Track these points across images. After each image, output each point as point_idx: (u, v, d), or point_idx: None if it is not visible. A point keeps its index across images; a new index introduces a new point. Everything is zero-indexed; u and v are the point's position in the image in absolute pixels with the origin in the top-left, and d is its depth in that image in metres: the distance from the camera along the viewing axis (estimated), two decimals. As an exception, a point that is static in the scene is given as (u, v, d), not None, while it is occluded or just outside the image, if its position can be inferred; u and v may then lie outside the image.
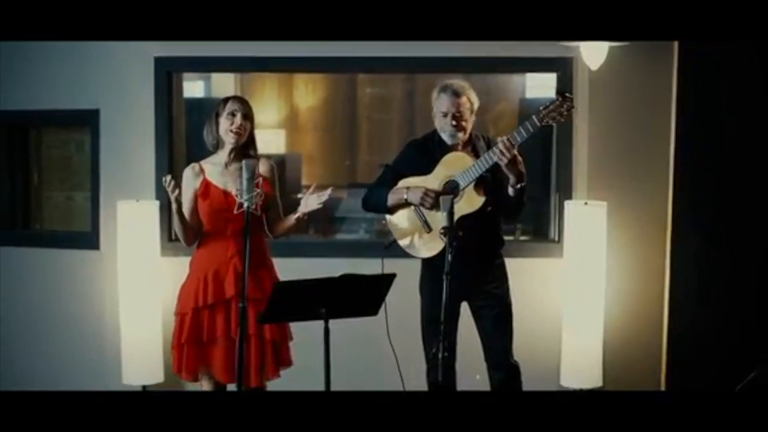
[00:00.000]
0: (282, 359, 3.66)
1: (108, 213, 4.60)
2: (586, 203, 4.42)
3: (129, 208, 4.45)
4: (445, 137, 3.66)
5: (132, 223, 4.44)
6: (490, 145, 3.65)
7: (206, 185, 3.61)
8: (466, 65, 4.63)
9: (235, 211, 3.47)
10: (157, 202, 4.51)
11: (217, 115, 3.62)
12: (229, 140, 3.60)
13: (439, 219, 3.55)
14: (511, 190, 3.50)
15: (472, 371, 3.86)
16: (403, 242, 3.79)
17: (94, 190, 4.75)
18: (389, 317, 3.59)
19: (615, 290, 4.45)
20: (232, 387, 3.63)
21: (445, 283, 3.27)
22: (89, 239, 4.75)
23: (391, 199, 3.75)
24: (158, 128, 4.62)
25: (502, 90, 6.19)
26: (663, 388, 4.61)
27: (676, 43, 4.49)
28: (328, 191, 3.61)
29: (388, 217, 3.83)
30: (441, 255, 3.51)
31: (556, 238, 4.59)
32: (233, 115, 3.59)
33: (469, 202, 3.56)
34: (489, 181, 3.56)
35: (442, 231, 3.35)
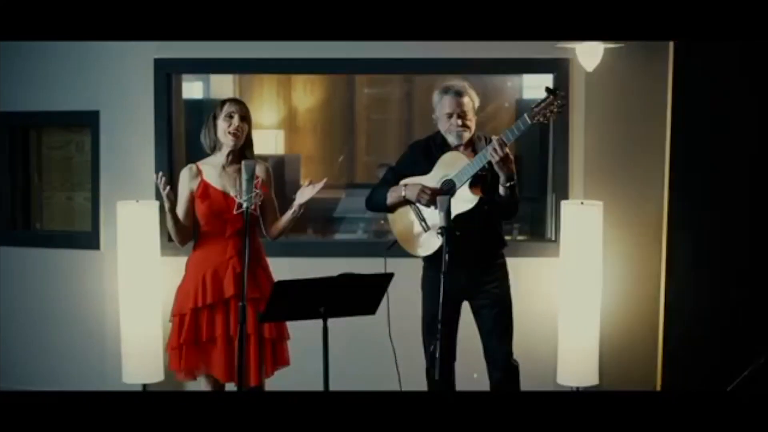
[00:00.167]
0: (280, 358, 3.68)
1: (108, 213, 4.62)
2: (582, 203, 4.44)
3: (129, 209, 4.47)
4: (452, 138, 3.68)
5: (132, 223, 4.46)
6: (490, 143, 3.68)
7: (205, 187, 3.62)
8: (464, 66, 4.65)
9: (234, 212, 3.50)
10: (157, 203, 4.51)
11: (215, 118, 3.63)
12: (227, 142, 3.61)
13: (436, 218, 3.58)
14: (501, 189, 3.52)
15: (473, 371, 3.89)
16: (401, 240, 3.82)
17: (94, 191, 4.77)
18: (391, 316, 3.62)
19: (611, 289, 4.48)
20: (230, 386, 3.65)
21: (442, 282, 3.30)
22: (89, 239, 4.77)
23: (391, 197, 3.78)
24: (158, 129, 4.64)
25: (499, 91, 6.21)
26: (659, 386, 4.63)
27: (671, 45, 4.52)
28: (323, 181, 3.63)
29: (388, 215, 3.86)
30: (441, 254, 3.55)
31: (553, 238, 4.62)
32: (231, 117, 3.60)
33: (464, 201, 3.58)
34: (484, 180, 3.58)
35: (439, 231, 3.38)
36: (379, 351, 4.45)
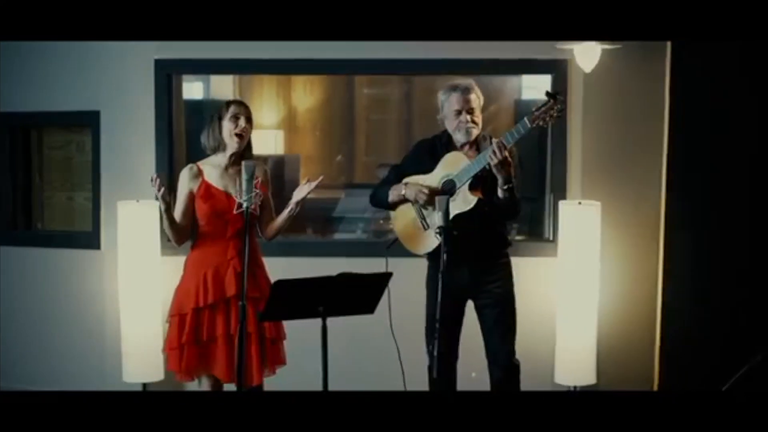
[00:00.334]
0: (278, 358, 3.71)
1: (108, 213, 4.63)
2: (580, 203, 4.45)
3: (129, 209, 4.48)
4: (460, 135, 3.69)
5: (132, 223, 4.47)
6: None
7: (207, 187, 3.64)
8: (463, 67, 4.66)
9: (234, 212, 3.52)
10: (158, 203, 4.52)
11: (220, 118, 3.64)
12: (232, 143, 3.63)
13: (436, 217, 3.60)
14: (500, 191, 3.54)
15: (476, 370, 3.90)
16: (402, 238, 3.84)
17: (94, 191, 4.79)
18: (393, 315, 3.64)
19: (608, 289, 4.49)
20: (229, 385, 3.67)
21: (440, 282, 3.32)
22: (90, 239, 4.79)
23: (392, 195, 3.80)
24: (158, 129, 4.66)
25: (498, 91, 6.22)
26: (656, 386, 4.65)
27: (668, 45, 4.53)
28: (319, 179, 3.65)
29: (390, 212, 3.89)
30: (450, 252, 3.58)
31: (551, 238, 4.64)
32: (237, 118, 3.62)
33: (464, 201, 3.60)
34: (484, 182, 3.60)
35: (437, 230, 3.40)
36: (377, 350, 4.48)
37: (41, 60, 4.80)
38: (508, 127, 3.70)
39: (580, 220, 4.39)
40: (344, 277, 3.24)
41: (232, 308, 3.58)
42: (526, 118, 3.45)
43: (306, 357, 3.49)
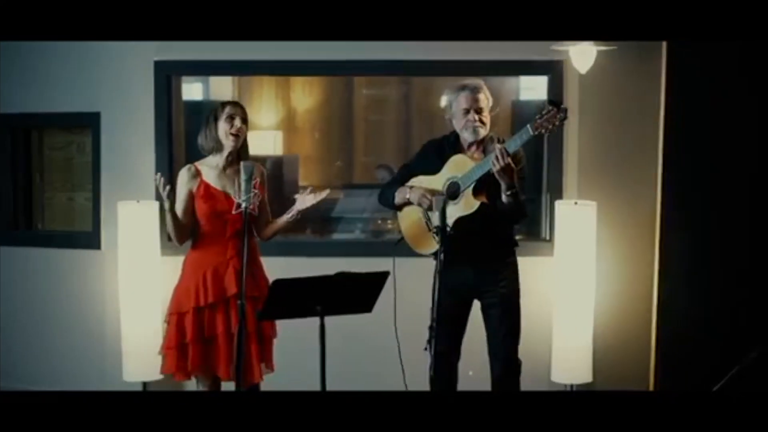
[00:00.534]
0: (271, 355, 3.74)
1: (109, 213, 4.65)
2: (576, 203, 4.48)
3: (129, 209, 4.50)
4: (468, 134, 3.71)
5: (132, 223, 4.49)
6: (502, 143, 3.67)
7: (206, 187, 3.67)
8: (461, 68, 4.68)
9: (233, 212, 3.55)
10: (157, 203, 4.54)
11: (216, 119, 3.67)
12: (228, 143, 3.66)
13: (434, 218, 3.64)
14: (503, 197, 3.55)
15: (476, 369, 3.92)
16: (407, 237, 3.87)
17: (95, 191, 4.81)
18: (398, 314, 3.67)
19: (604, 288, 4.52)
20: (226, 385, 3.69)
21: (437, 281, 3.35)
22: (90, 239, 4.81)
23: (398, 197, 3.83)
24: (158, 130, 4.68)
25: (496, 92, 6.22)
26: (651, 384, 4.67)
27: (664, 46, 4.55)
28: (326, 192, 3.68)
29: (398, 212, 3.91)
30: (451, 248, 3.57)
31: (547, 237, 4.67)
32: (232, 118, 3.65)
33: (467, 205, 3.62)
34: (489, 186, 3.60)
35: (434, 230, 3.43)
36: (376, 349, 4.51)
37: (42, 62, 4.83)
38: (505, 128, 3.74)
39: (577, 220, 4.42)
40: (342, 276, 3.26)
41: (231, 307, 3.60)
42: (529, 126, 3.46)
43: (305, 356, 3.51)
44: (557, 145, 4.61)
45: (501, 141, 3.67)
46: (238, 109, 3.69)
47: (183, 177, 3.70)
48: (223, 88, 5.98)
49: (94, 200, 4.83)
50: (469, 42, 4.31)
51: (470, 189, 3.61)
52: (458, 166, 3.67)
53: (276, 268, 3.72)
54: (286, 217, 3.73)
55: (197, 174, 3.69)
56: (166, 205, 3.58)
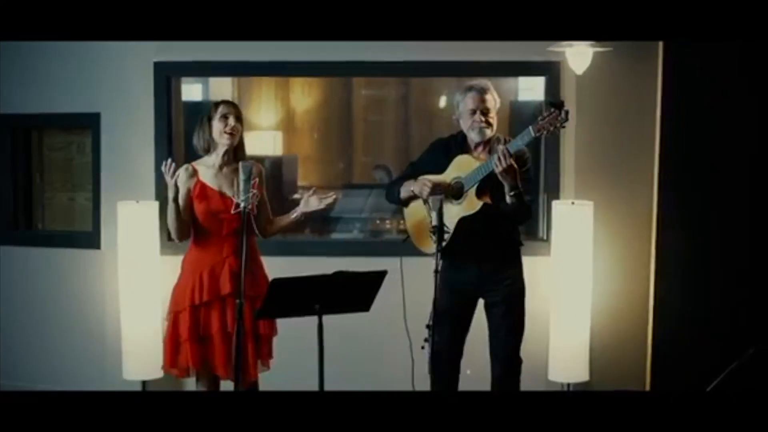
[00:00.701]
0: (270, 353, 3.76)
1: (108, 213, 4.67)
2: (573, 203, 4.50)
3: (129, 209, 4.52)
4: (474, 135, 3.73)
5: (132, 223, 4.51)
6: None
7: (202, 187, 3.68)
8: (458, 69, 4.71)
9: (232, 212, 3.56)
10: (157, 203, 4.57)
11: (210, 119, 3.69)
12: (223, 142, 3.68)
13: (445, 214, 3.65)
14: (507, 198, 3.57)
15: (477, 369, 3.93)
16: (412, 235, 3.89)
17: (95, 191, 4.83)
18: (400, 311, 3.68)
19: (601, 287, 4.54)
20: (227, 381, 3.71)
21: (434, 280, 3.36)
22: (90, 239, 4.83)
23: (403, 191, 3.85)
24: (157, 130, 4.70)
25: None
26: (648, 382, 4.68)
27: (660, 46, 4.56)
28: (332, 197, 3.72)
29: (404, 209, 3.94)
30: (455, 248, 3.62)
31: (544, 237, 4.68)
32: (226, 117, 3.67)
33: (470, 205, 3.64)
34: (493, 186, 3.62)
35: (431, 230, 3.45)
36: (374, 349, 4.55)
37: (42, 62, 4.84)
38: (504, 128, 3.76)
39: (574, 220, 4.43)
40: (340, 275, 3.28)
41: (227, 306, 3.62)
42: (531, 128, 3.47)
43: (304, 356, 3.52)
44: (554, 145, 4.63)
45: (506, 142, 3.69)
46: (231, 108, 3.70)
47: (181, 176, 3.71)
48: (222, 88, 6.00)
49: (94, 200, 4.84)
50: (468, 43, 4.33)
51: (473, 189, 3.63)
52: (462, 167, 3.69)
53: (275, 267, 3.73)
54: (292, 217, 3.76)
55: (194, 173, 3.71)
56: (170, 194, 3.58)
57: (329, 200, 3.71)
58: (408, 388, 3.69)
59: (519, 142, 3.52)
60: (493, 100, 3.74)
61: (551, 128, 3.44)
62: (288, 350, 3.87)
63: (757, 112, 4.44)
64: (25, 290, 4.95)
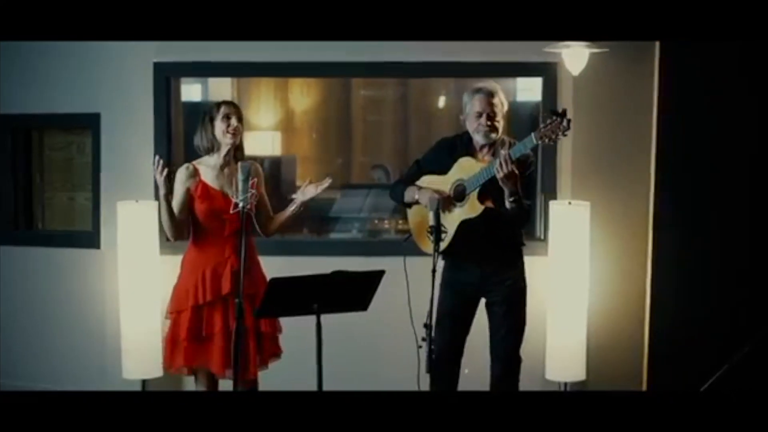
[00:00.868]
0: (273, 350, 3.78)
1: (108, 213, 4.68)
2: (570, 203, 4.52)
3: (129, 209, 4.53)
4: (479, 137, 3.75)
5: (132, 223, 4.52)
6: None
7: (204, 187, 3.70)
8: (456, 69, 4.75)
9: (231, 211, 3.58)
10: (156, 203, 4.56)
11: (212, 119, 3.70)
12: (225, 142, 3.69)
13: (447, 216, 3.67)
14: (507, 203, 3.59)
15: (476, 368, 3.95)
16: (414, 235, 3.92)
17: (94, 191, 4.85)
18: (402, 311, 3.68)
19: (598, 287, 4.56)
20: (226, 379, 3.72)
21: (432, 279, 3.38)
22: (90, 239, 4.84)
23: (407, 196, 3.88)
24: (157, 131, 4.71)
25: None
26: (644, 382, 4.71)
27: (657, 47, 4.58)
28: (327, 181, 3.72)
29: (408, 209, 3.96)
30: (456, 250, 3.65)
31: (542, 237, 4.70)
32: (228, 118, 3.68)
33: (472, 208, 3.66)
34: (493, 191, 3.63)
35: (428, 230, 3.47)
36: (373, 349, 4.56)
37: (42, 62, 4.86)
38: (502, 128, 3.77)
39: (571, 220, 4.46)
40: (338, 274, 3.30)
41: (229, 305, 3.63)
42: (533, 134, 3.50)
43: (303, 355, 3.53)
44: (551, 146, 4.63)
45: (511, 145, 3.71)
46: (233, 109, 3.72)
47: (181, 175, 3.73)
48: (221, 89, 6.01)
49: (93, 200, 4.86)
50: (466, 44, 4.36)
51: (475, 193, 3.65)
52: (465, 169, 3.71)
53: (274, 267, 3.75)
54: (290, 211, 3.77)
55: (195, 173, 3.72)
56: (161, 192, 3.59)
57: (325, 185, 3.72)
58: (408, 387, 3.68)
59: (521, 148, 3.54)
60: (500, 104, 3.75)
61: (553, 136, 3.46)
62: (287, 350, 3.87)
63: (754, 112, 4.47)
64: (25, 290, 4.97)
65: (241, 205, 3.45)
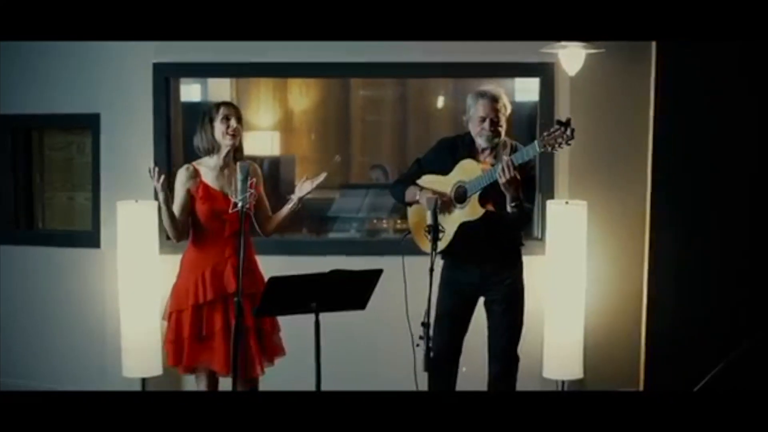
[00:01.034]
0: (277, 349, 3.80)
1: (108, 213, 4.70)
2: (567, 202, 4.54)
3: (128, 208, 4.55)
4: (482, 141, 3.77)
5: (131, 222, 4.54)
6: (514, 152, 3.72)
7: (205, 188, 3.71)
8: (454, 70, 4.77)
9: (230, 211, 3.60)
10: (156, 203, 4.57)
11: (212, 120, 3.71)
12: (225, 143, 3.70)
13: (447, 217, 3.69)
14: (508, 207, 3.61)
15: (474, 367, 3.96)
16: (413, 233, 3.93)
17: (94, 191, 4.86)
18: (402, 311, 3.69)
19: (595, 286, 4.58)
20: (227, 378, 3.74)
21: (430, 279, 3.40)
22: (90, 238, 4.86)
23: (408, 195, 3.90)
24: (156, 131, 4.73)
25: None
26: (641, 380, 4.72)
27: (653, 47, 4.60)
28: (323, 175, 3.74)
29: (408, 207, 3.98)
30: (455, 250, 3.67)
31: (539, 236, 4.72)
32: (228, 119, 3.69)
33: (472, 211, 3.68)
34: (494, 194, 3.65)
35: (426, 229, 3.49)
36: (372, 348, 4.57)
37: (42, 63, 4.87)
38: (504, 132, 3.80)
39: (568, 220, 4.48)
40: (336, 273, 3.31)
41: (230, 304, 3.64)
42: (536, 142, 3.52)
43: (302, 354, 3.53)
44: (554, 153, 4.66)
45: (513, 147, 3.73)
46: (232, 110, 3.73)
47: (181, 176, 3.74)
48: (220, 89, 6.03)
49: (93, 200, 4.87)
50: (464, 45, 4.37)
51: (476, 196, 3.67)
52: (467, 171, 3.73)
53: (273, 266, 3.76)
54: (287, 208, 3.79)
55: (196, 174, 3.73)
56: (160, 197, 3.59)
57: (320, 179, 3.73)
58: (407, 386, 3.72)
59: (524, 155, 3.56)
60: (503, 108, 3.77)
61: (556, 144, 3.49)
62: (287, 350, 3.88)
63: (751, 112, 4.48)
64: (25, 289, 4.98)
65: (240, 204, 3.47)
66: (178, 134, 4.87)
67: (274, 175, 5.95)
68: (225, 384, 3.76)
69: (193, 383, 3.88)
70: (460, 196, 3.73)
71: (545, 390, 4.56)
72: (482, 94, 3.75)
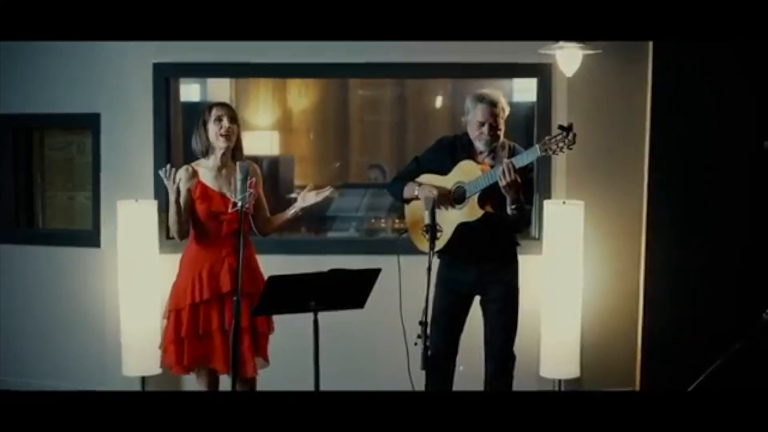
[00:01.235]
0: (266, 349, 3.81)
1: (108, 212, 4.71)
2: (564, 202, 4.56)
3: (128, 208, 4.56)
4: (480, 145, 3.79)
5: (131, 222, 4.56)
6: (512, 153, 3.76)
7: (203, 188, 3.73)
8: (453, 71, 4.80)
9: (229, 210, 3.62)
10: (156, 202, 4.62)
11: (205, 122, 3.72)
12: (219, 144, 3.71)
13: (445, 217, 3.72)
14: (508, 209, 3.63)
15: (473, 366, 3.97)
16: (411, 231, 3.94)
17: (94, 191, 4.87)
18: (401, 311, 3.71)
19: (592, 285, 4.59)
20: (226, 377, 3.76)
21: (427, 278, 3.41)
22: (90, 237, 4.87)
23: (406, 192, 3.90)
24: (156, 131, 4.74)
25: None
26: (637, 379, 4.74)
27: (650, 48, 4.62)
28: (328, 190, 3.76)
29: (405, 206, 3.99)
30: (453, 250, 3.69)
31: (536, 236, 4.73)
32: (220, 120, 3.70)
33: (471, 212, 3.70)
34: (493, 196, 3.67)
35: (423, 229, 3.51)
36: (371, 348, 4.58)
37: (42, 63, 4.88)
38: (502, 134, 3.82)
39: (565, 219, 4.49)
40: (335, 272, 3.33)
41: (226, 304, 3.66)
42: (537, 146, 3.54)
43: (301, 354, 3.54)
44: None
45: (511, 149, 3.75)
46: (225, 110, 3.74)
47: (181, 177, 3.74)
48: (220, 89, 6.04)
49: (93, 199, 4.89)
50: (462, 45, 4.39)
51: (475, 197, 3.68)
52: (466, 173, 3.74)
53: (272, 265, 3.77)
54: (289, 214, 3.80)
55: (194, 175, 3.75)
56: (172, 197, 3.62)
57: (325, 193, 3.75)
58: (406, 385, 3.71)
59: (525, 159, 3.58)
60: (502, 111, 3.78)
61: (557, 148, 3.51)
62: (286, 349, 3.91)
63: (748, 112, 4.49)
64: (26, 288, 4.99)
65: (239, 204, 3.48)
66: (178, 134, 4.88)
67: (273, 175, 5.97)
68: (225, 384, 3.78)
69: (192, 383, 3.90)
70: (460, 196, 3.75)
71: (542, 389, 4.58)
72: (481, 99, 3.76)
